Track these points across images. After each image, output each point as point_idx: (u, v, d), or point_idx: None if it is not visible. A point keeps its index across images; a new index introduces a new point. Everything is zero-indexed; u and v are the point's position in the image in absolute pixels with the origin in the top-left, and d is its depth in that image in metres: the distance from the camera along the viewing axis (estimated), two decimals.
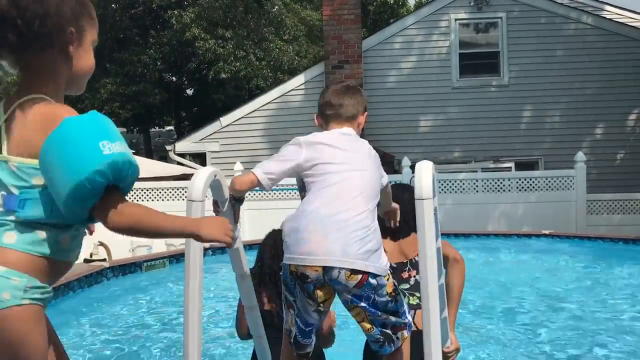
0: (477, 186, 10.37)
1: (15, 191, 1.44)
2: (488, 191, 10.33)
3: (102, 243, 8.17)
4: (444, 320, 2.27)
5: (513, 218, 10.10)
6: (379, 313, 2.19)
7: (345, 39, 11.33)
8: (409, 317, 2.31)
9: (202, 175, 1.94)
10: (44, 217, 1.44)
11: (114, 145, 1.41)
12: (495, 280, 6.17)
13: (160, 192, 9.70)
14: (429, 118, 11.95)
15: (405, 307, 2.29)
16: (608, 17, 12.67)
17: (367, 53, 11.74)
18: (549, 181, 10.21)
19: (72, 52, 1.53)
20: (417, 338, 2.22)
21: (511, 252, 7.60)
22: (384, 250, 2.23)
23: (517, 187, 10.32)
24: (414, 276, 2.56)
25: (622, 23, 12.42)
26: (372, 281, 2.12)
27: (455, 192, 10.35)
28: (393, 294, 2.22)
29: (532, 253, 7.53)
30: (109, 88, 21.45)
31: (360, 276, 2.09)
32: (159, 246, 7.55)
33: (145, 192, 9.69)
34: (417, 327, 2.40)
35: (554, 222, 9.52)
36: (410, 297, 2.56)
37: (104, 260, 7.37)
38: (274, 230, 2.73)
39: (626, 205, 10.33)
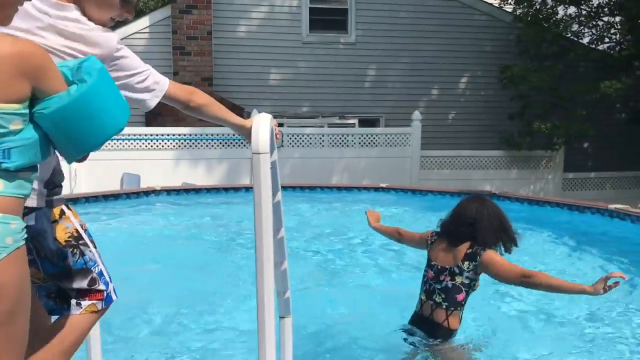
0: (323, 141, 10.67)
1: None
2: (333, 146, 10.68)
3: None
4: (283, 273, 2.30)
5: (355, 172, 10.59)
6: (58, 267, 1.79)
7: None
8: (111, 288, 1.90)
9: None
10: (28, 162, 1.45)
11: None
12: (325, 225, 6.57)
13: None
14: (279, 71, 11.94)
15: (105, 273, 1.88)
16: None
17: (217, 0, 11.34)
18: (388, 138, 10.83)
19: None
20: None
21: (349, 203, 7.97)
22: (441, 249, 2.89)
23: (360, 143, 10.80)
24: (448, 281, 2.84)
25: None
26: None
27: (302, 146, 10.56)
28: (73, 242, 1.80)
29: (370, 204, 7.95)
30: None
31: None
32: None
33: None
34: (448, 326, 2.84)
35: (392, 176, 10.16)
36: (437, 296, 2.87)
37: None
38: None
39: (454, 162, 11.31)
